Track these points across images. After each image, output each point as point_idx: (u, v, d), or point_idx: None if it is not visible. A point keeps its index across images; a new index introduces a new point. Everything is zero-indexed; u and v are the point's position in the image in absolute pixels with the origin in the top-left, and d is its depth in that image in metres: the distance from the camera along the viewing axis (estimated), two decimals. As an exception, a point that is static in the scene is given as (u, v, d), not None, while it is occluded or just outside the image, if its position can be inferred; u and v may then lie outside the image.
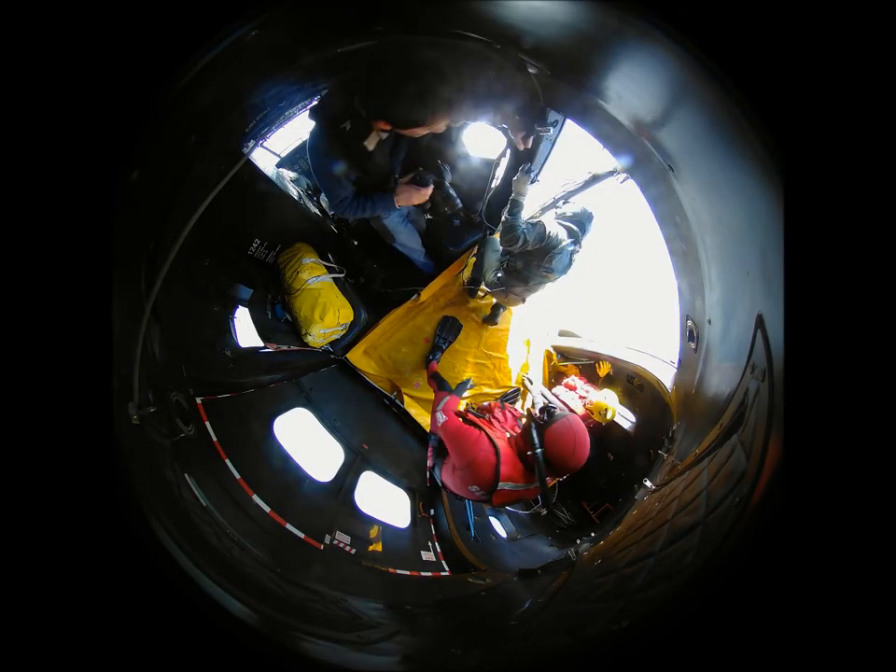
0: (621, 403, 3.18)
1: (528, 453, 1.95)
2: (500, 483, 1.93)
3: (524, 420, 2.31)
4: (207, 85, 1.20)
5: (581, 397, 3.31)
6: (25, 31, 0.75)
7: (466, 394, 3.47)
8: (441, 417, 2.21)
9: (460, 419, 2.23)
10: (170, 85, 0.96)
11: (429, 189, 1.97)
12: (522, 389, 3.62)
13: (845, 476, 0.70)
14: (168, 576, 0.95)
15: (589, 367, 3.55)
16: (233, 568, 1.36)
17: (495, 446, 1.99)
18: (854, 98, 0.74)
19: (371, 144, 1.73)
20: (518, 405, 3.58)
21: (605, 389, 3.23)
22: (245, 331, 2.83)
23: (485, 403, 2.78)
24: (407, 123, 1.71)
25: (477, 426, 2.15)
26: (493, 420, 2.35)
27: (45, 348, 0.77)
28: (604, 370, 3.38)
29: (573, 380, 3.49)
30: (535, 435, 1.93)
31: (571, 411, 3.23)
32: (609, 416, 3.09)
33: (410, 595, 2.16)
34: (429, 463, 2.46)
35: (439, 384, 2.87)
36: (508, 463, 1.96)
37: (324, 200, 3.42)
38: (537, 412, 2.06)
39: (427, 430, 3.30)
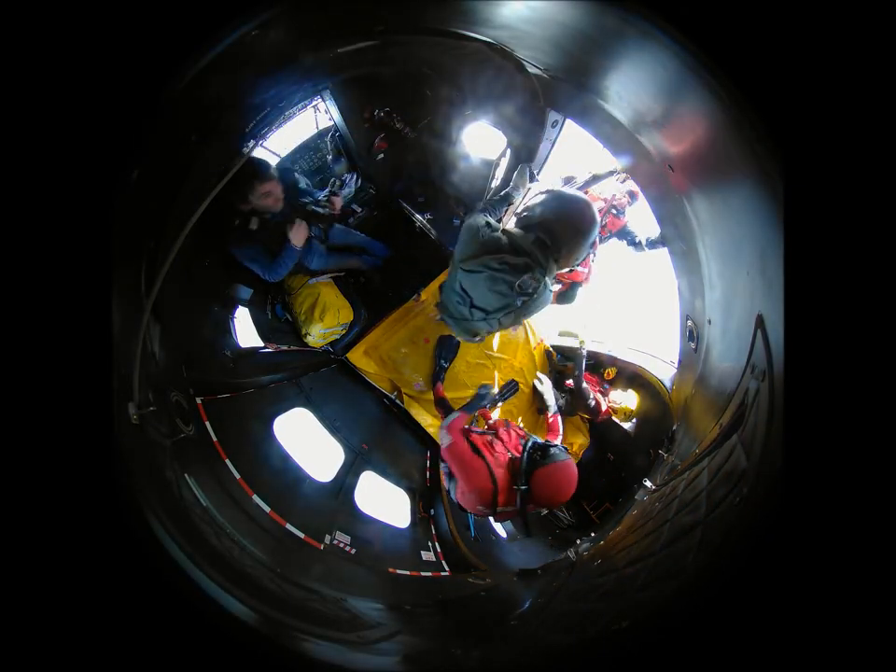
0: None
1: (514, 487, 2.00)
2: (499, 509, 2.03)
3: (525, 439, 2.30)
4: (208, 84, 1.20)
5: (599, 391, 3.25)
6: (28, 29, 0.75)
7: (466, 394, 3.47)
8: (447, 438, 2.22)
9: (466, 442, 2.23)
10: (170, 84, 0.96)
11: (300, 225, 2.57)
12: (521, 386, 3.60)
13: (845, 476, 0.70)
14: (168, 576, 0.95)
15: (590, 367, 3.54)
16: (233, 568, 1.36)
17: (493, 477, 2.03)
18: (853, 98, 0.74)
19: (253, 225, 2.43)
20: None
21: (629, 390, 3.20)
22: (245, 331, 2.83)
23: (492, 420, 2.75)
24: (249, 204, 2.38)
25: (479, 452, 2.17)
26: (495, 441, 2.31)
27: (45, 348, 0.77)
28: (611, 374, 3.38)
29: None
30: (523, 473, 1.99)
31: (587, 406, 3.20)
32: (630, 417, 3.09)
33: (410, 595, 2.16)
34: (445, 485, 2.46)
35: (445, 410, 2.87)
36: (504, 492, 2.02)
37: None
38: (529, 446, 2.07)
39: (426, 429, 3.32)
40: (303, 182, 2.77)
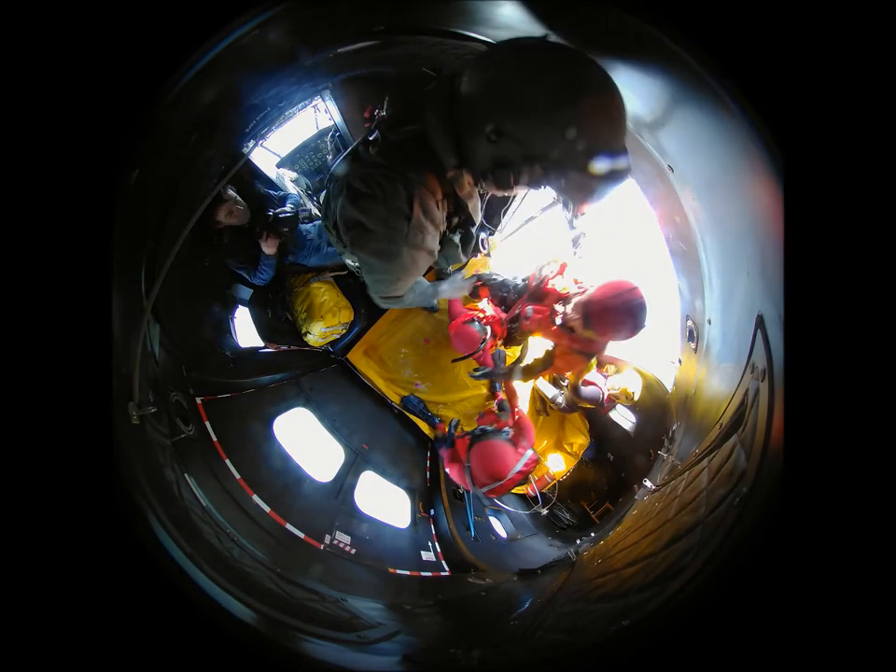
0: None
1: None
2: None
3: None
4: (207, 85, 1.20)
5: (605, 376, 3.21)
6: (26, 28, 0.75)
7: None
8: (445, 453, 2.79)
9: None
10: (170, 84, 0.96)
11: (269, 237, 2.70)
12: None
13: (845, 476, 0.70)
14: (168, 576, 0.95)
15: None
16: (233, 568, 1.36)
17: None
18: (854, 98, 0.74)
19: (226, 239, 2.68)
20: None
21: (629, 370, 3.13)
22: (245, 331, 2.83)
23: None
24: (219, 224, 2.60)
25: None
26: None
27: (45, 348, 0.77)
28: (611, 372, 3.37)
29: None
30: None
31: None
32: (635, 399, 3.05)
33: (410, 595, 2.16)
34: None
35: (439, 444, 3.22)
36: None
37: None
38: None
39: (428, 433, 3.34)
40: (271, 189, 2.89)
